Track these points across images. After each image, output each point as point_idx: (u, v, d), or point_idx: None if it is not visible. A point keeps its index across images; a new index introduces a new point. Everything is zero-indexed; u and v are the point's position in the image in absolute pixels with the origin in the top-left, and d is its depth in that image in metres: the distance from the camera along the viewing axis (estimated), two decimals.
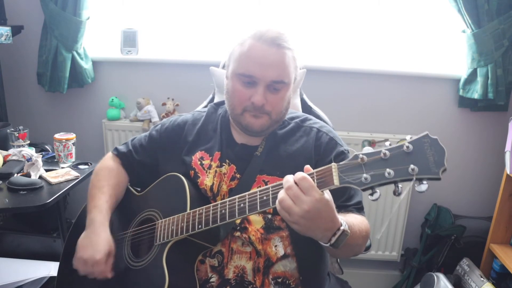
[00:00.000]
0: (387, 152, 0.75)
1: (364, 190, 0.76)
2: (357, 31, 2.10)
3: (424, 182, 0.72)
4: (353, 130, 2.09)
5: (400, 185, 0.74)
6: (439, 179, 0.71)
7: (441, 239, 2.08)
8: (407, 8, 2.06)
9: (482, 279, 1.86)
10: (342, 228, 0.82)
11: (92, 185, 1.19)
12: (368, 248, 1.31)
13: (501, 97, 1.89)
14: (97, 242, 1.03)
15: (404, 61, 2.11)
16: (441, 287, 1.72)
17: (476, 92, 1.92)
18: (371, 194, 0.76)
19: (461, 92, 1.99)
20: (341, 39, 2.11)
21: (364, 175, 0.75)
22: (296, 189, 0.78)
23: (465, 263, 2.00)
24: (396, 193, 0.74)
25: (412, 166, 0.72)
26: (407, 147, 0.74)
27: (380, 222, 2.12)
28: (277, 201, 0.81)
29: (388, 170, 0.73)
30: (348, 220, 0.89)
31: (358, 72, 2.07)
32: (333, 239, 0.82)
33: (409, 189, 2.07)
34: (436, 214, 2.13)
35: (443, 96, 2.07)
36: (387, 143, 0.77)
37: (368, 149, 0.77)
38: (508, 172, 1.78)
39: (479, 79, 1.89)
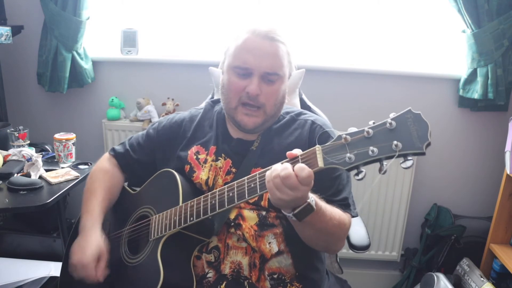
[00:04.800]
0: (370, 130, 0.75)
1: (349, 170, 0.77)
2: (357, 31, 2.10)
3: (409, 158, 0.72)
4: None
5: (385, 163, 0.74)
6: (423, 153, 0.71)
7: (441, 239, 2.08)
8: (406, 8, 2.06)
9: (482, 279, 1.86)
10: (308, 201, 0.84)
11: (86, 188, 1.20)
12: (366, 248, 1.31)
13: (501, 97, 1.89)
14: (85, 247, 1.04)
15: (404, 61, 2.11)
16: (441, 287, 1.72)
17: (476, 92, 1.92)
18: (357, 174, 0.76)
19: (461, 92, 1.99)
20: (341, 39, 2.11)
21: (348, 154, 0.75)
22: (294, 180, 0.79)
23: (465, 263, 2.00)
24: (381, 171, 0.74)
25: (395, 142, 0.72)
26: (390, 123, 0.74)
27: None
28: (269, 176, 0.82)
29: (371, 148, 0.74)
30: (321, 202, 0.91)
31: (358, 72, 2.07)
32: (297, 210, 0.84)
33: (410, 189, 2.07)
34: (436, 214, 2.13)
35: (443, 96, 2.07)
36: (371, 122, 0.77)
37: (352, 129, 0.78)
38: (508, 172, 1.78)
39: (479, 79, 1.89)
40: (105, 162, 1.25)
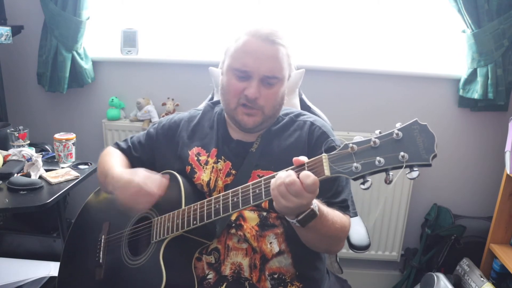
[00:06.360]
0: (377, 140, 0.75)
1: (355, 179, 0.77)
2: (357, 31, 2.10)
3: (415, 169, 0.73)
4: (353, 130, 2.09)
5: (391, 173, 0.75)
6: (429, 165, 0.72)
7: (441, 239, 2.08)
8: (407, 8, 2.06)
9: (482, 279, 1.86)
10: (311, 207, 0.84)
11: (101, 165, 1.19)
12: (366, 248, 1.31)
13: (501, 97, 1.89)
14: (133, 176, 1.03)
15: (404, 61, 2.11)
16: (441, 287, 1.72)
17: (476, 92, 1.92)
18: (363, 183, 0.77)
19: (461, 92, 1.99)
20: (341, 39, 2.11)
21: (355, 164, 0.76)
22: (299, 186, 0.79)
23: (465, 263, 2.00)
24: (388, 181, 0.74)
25: (402, 153, 0.72)
26: (397, 134, 0.74)
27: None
28: (276, 185, 0.82)
29: (378, 158, 0.74)
30: (323, 207, 0.91)
31: (358, 72, 2.07)
32: (301, 216, 0.84)
33: (410, 189, 2.07)
34: (436, 214, 2.13)
35: (443, 96, 2.07)
36: (377, 132, 0.77)
37: (358, 138, 0.78)
38: (508, 172, 1.78)
39: (479, 79, 1.89)
40: (112, 149, 1.27)
